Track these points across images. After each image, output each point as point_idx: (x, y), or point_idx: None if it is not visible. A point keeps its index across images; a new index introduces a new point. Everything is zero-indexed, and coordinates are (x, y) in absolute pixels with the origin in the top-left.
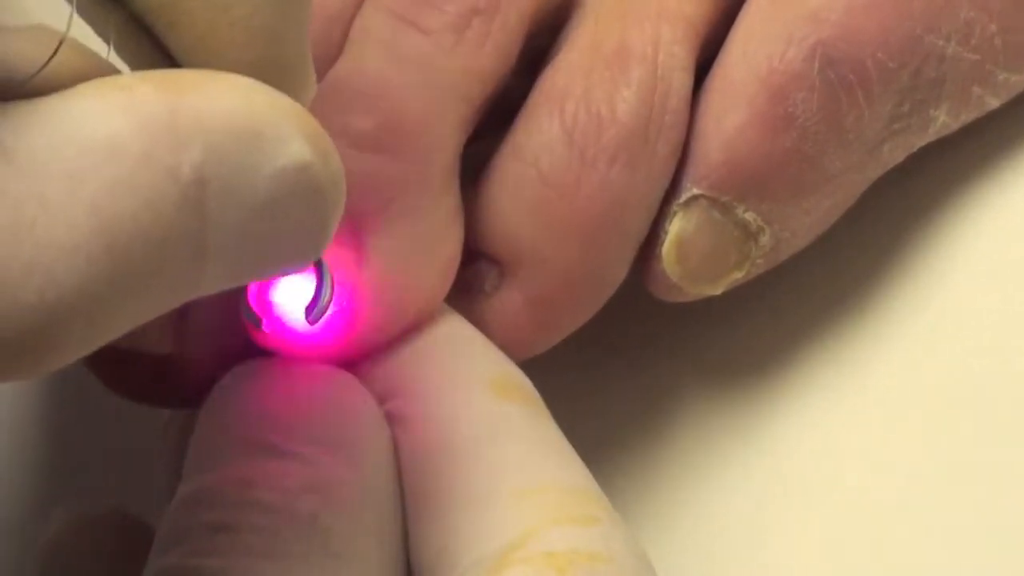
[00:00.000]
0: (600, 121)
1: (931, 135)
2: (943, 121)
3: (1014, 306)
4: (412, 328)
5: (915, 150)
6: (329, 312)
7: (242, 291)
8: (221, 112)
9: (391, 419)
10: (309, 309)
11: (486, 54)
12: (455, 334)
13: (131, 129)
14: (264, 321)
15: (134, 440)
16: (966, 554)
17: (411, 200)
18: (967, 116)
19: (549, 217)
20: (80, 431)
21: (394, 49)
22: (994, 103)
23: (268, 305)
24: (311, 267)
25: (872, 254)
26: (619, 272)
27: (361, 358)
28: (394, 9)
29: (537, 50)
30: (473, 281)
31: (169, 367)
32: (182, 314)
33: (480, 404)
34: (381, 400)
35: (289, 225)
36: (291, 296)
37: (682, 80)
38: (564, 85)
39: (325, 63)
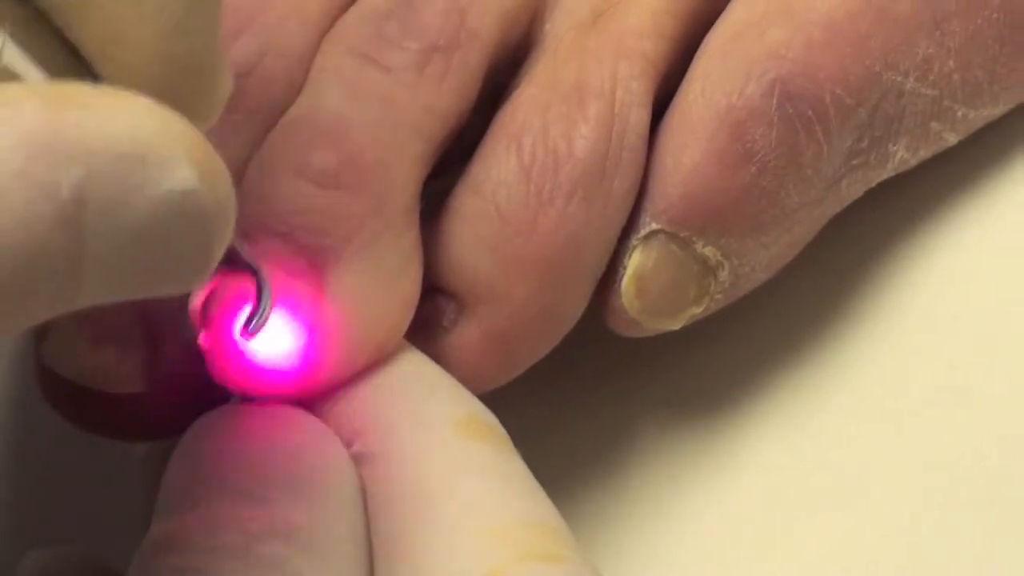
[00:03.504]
0: (557, 157)
1: (889, 170)
2: (901, 156)
3: (985, 332)
4: (374, 365)
5: (873, 185)
6: (265, 327)
7: (184, 305)
8: (107, 133)
9: (358, 460)
10: (246, 323)
11: (446, 91)
12: (419, 372)
13: (10, 145)
14: (202, 334)
15: (103, 479)
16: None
17: (371, 236)
18: (925, 152)
19: (506, 253)
20: (47, 472)
21: (354, 86)
22: (952, 139)
23: (208, 318)
24: (251, 281)
25: (833, 289)
26: (577, 307)
27: (323, 395)
28: (354, 47)
29: (497, 87)
30: (431, 316)
31: (138, 406)
32: (151, 354)
33: (445, 443)
34: (348, 442)
35: (171, 249)
36: (237, 316)
37: (639, 116)
38: (522, 121)
39: (287, 103)
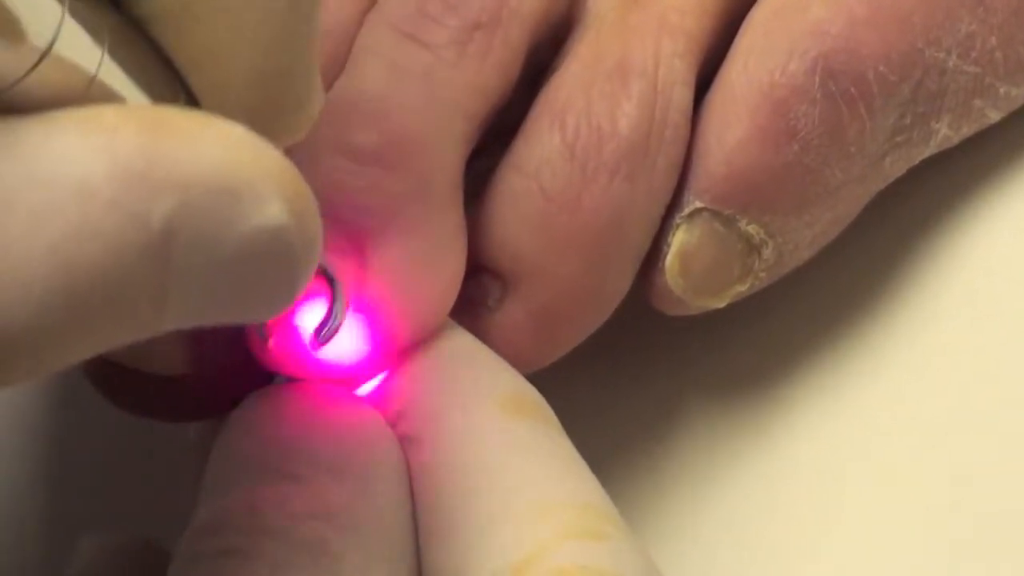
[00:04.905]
0: (601, 135)
1: (932, 148)
2: (944, 134)
3: (1018, 319)
4: (419, 345)
5: (916, 162)
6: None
7: None
8: (201, 165)
9: (403, 440)
10: (318, 331)
11: (488, 69)
12: (464, 351)
13: (105, 174)
14: (272, 339)
15: (158, 462)
16: (968, 567)
17: (414, 215)
18: (968, 129)
19: (551, 231)
20: (103, 454)
21: (396, 64)
22: (994, 116)
23: (279, 322)
24: (325, 289)
25: (876, 268)
26: (621, 285)
27: (367, 376)
28: (396, 24)
29: (539, 65)
30: (476, 295)
31: (182, 387)
32: (192, 337)
33: (491, 422)
34: (393, 422)
35: (256, 282)
36: (303, 315)
37: (683, 94)
38: (565, 99)
39: (329, 81)
